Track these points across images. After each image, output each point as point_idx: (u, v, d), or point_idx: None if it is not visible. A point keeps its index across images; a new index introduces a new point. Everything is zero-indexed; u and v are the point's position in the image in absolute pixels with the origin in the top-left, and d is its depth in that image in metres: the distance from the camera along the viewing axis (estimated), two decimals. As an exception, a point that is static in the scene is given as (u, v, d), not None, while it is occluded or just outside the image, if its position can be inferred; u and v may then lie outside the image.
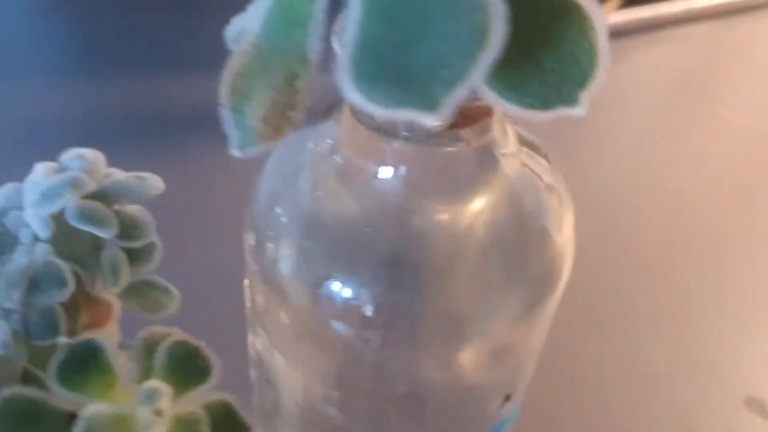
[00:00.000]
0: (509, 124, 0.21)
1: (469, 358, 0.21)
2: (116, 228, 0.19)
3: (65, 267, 0.18)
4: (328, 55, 0.14)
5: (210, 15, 0.59)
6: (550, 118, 0.14)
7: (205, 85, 0.49)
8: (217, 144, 0.20)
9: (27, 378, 0.18)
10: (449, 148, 0.19)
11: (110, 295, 0.20)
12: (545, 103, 0.13)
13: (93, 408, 0.17)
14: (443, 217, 0.20)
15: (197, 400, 0.19)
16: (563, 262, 0.22)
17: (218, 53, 0.15)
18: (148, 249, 0.21)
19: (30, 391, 0.17)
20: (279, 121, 0.14)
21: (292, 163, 0.20)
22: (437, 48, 0.11)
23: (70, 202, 0.18)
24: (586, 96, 0.14)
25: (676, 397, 0.37)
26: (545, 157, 0.23)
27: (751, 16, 0.70)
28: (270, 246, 0.20)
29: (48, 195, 0.18)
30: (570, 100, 0.13)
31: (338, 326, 0.20)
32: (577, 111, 0.14)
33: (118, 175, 0.20)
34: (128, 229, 0.20)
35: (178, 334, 0.18)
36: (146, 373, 0.18)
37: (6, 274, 0.18)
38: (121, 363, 0.18)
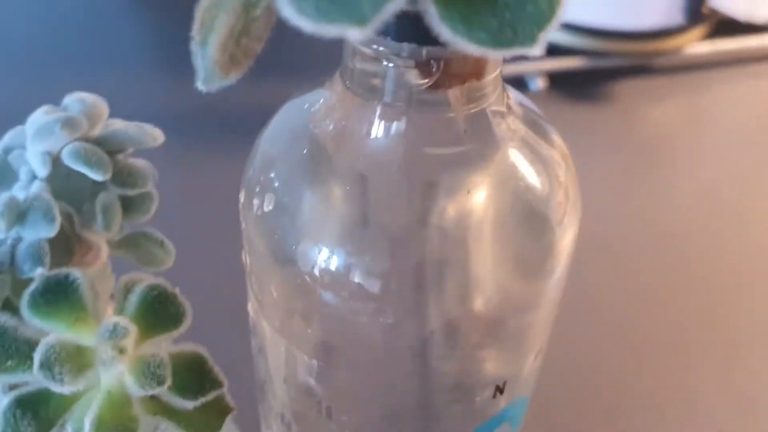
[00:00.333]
0: (516, 113, 0.20)
1: (455, 333, 0.20)
2: (110, 172, 0.20)
3: (54, 203, 0.19)
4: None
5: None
6: (506, 55, 0.13)
7: (280, 84, 0.50)
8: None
9: (7, 308, 0.19)
10: (438, 114, 0.18)
11: (101, 239, 0.20)
12: (499, 41, 0.13)
13: (54, 337, 0.17)
14: (434, 186, 0.19)
15: (167, 348, 0.19)
16: (560, 254, 0.21)
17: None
18: (144, 198, 0.21)
19: (3, 318, 0.18)
20: (234, 50, 0.14)
21: (288, 129, 0.20)
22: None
23: (62, 139, 0.19)
24: (543, 37, 0.13)
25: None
26: (560, 151, 0.22)
27: None
28: (262, 209, 0.20)
29: (41, 131, 0.19)
30: (526, 40, 0.13)
31: (326, 296, 0.19)
32: (533, 51, 0.13)
33: (118, 124, 0.20)
34: (125, 176, 0.20)
35: (153, 279, 0.18)
36: (119, 315, 0.18)
37: (-3, 205, 0.19)
38: (101, 305, 0.18)
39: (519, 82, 0.57)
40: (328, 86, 0.20)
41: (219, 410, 0.20)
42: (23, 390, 0.17)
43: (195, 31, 0.15)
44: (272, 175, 0.20)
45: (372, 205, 0.19)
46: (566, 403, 0.37)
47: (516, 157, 0.20)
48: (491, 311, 0.20)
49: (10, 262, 0.19)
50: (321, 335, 0.20)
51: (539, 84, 0.57)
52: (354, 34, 0.11)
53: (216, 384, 0.19)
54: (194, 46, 0.15)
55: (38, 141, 0.19)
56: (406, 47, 0.16)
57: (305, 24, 0.11)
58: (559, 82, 0.58)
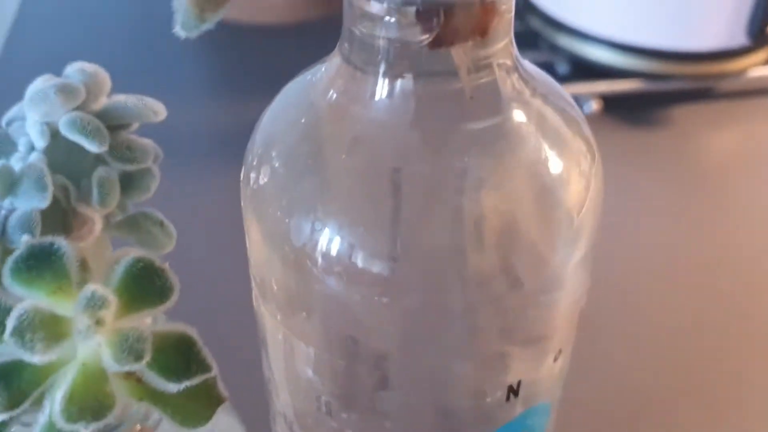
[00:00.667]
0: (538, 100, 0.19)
1: (465, 322, 0.19)
2: (107, 144, 0.19)
3: (47, 172, 0.18)
4: None
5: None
6: None
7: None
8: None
9: (-5, 279, 0.18)
10: (443, 83, 0.17)
11: (95, 213, 0.19)
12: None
13: (30, 302, 0.16)
14: (441, 161, 0.18)
15: (156, 326, 0.18)
16: (576, 246, 0.19)
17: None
18: (144, 175, 0.20)
19: (-15, 285, 0.17)
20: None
21: (288, 103, 0.19)
22: None
23: (57, 106, 0.18)
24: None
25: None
26: (586, 142, 0.20)
27: None
28: (258, 182, 0.19)
29: (35, 97, 0.18)
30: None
31: (324, 278, 0.18)
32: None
33: (120, 97, 0.20)
34: (123, 150, 0.20)
35: (141, 252, 0.18)
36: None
37: (-12, 171, 0.18)
38: (91, 281, 0.18)
39: (571, 105, 0.56)
40: (328, 60, 0.19)
41: (209, 399, 0.19)
42: (-3, 359, 0.16)
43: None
44: (269, 148, 0.19)
45: (375, 180, 0.18)
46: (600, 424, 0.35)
47: (530, 133, 0.18)
48: (503, 297, 0.18)
49: (1, 233, 0.19)
50: (318, 321, 0.19)
51: (593, 107, 0.55)
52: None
53: (203, 367, 0.18)
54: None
55: (33, 107, 0.18)
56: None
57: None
58: (614, 105, 0.56)
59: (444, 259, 0.18)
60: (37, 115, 0.19)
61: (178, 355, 0.18)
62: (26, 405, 0.16)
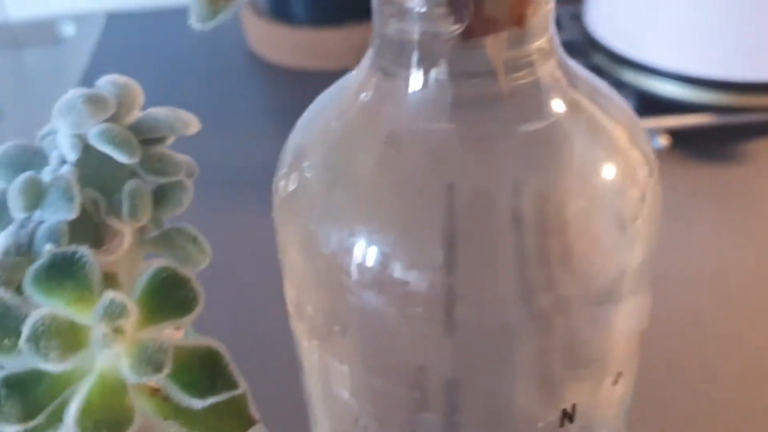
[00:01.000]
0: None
1: (513, 335, 0.17)
2: (137, 155, 0.19)
3: (75, 183, 0.18)
4: None
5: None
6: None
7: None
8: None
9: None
10: (478, 83, 0.16)
11: (125, 226, 0.19)
12: None
13: (45, 310, 0.16)
14: (481, 165, 0.17)
15: (182, 339, 0.17)
16: (628, 259, 0.18)
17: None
18: (177, 188, 0.20)
19: (6, 295, 0.16)
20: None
21: (317, 112, 0.19)
22: None
23: (84, 114, 0.18)
24: None
25: None
26: (644, 154, 0.19)
27: None
28: (286, 190, 0.18)
29: (63, 107, 0.18)
30: None
31: (356, 289, 0.17)
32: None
33: (152, 110, 0.19)
34: (155, 162, 0.19)
35: (167, 262, 0.17)
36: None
37: (17, 182, 0.18)
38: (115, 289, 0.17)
39: (638, 141, 0.54)
40: (358, 68, 0.18)
41: (240, 419, 0.18)
42: (12, 370, 0.16)
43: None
44: (300, 155, 0.18)
45: (410, 185, 0.17)
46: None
47: (580, 138, 0.17)
48: (552, 308, 0.17)
49: (29, 245, 0.18)
50: (352, 336, 0.18)
51: (661, 142, 0.53)
52: None
53: (229, 384, 0.17)
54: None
55: (62, 118, 0.18)
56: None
57: None
58: (684, 140, 0.54)
59: (489, 269, 0.17)
60: (66, 126, 0.18)
61: (202, 370, 0.17)
62: (41, 418, 0.16)
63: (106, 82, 0.19)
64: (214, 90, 0.61)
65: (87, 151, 0.19)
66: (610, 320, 0.18)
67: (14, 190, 0.18)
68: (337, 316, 0.17)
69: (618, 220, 0.18)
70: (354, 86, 0.18)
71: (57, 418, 0.16)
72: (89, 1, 0.72)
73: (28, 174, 0.18)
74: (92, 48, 0.67)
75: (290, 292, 0.19)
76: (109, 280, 0.17)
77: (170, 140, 0.20)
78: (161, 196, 0.20)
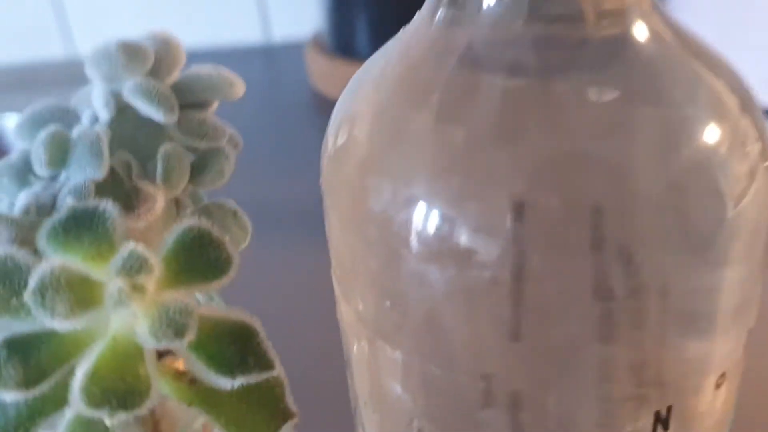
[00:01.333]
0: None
1: (596, 322, 0.15)
2: (175, 114, 0.17)
3: (104, 138, 0.16)
4: None
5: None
6: None
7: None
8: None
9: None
10: (561, 29, 0.14)
11: (158, 191, 0.17)
12: None
13: (55, 261, 0.14)
14: (560, 121, 0.15)
15: (208, 311, 0.15)
16: (732, 243, 0.15)
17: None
18: (217, 156, 0.18)
19: (20, 254, 0.15)
20: None
21: (374, 68, 0.17)
22: None
23: (118, 64, 0.16)
24: None
25: None
26: (759, 129, 0.17)
27: None
28: (335, 145, 0.16)
29: (97, 56, 0.16)
30: None
31: (419, 261, 0.15)
32: None
33: (195, 68, 0.18)
34: (195, 125, 0.17)
35: (199, 221, 0.15)
36: (155, 262, 0.15)
37: (42, 136, 0.16)
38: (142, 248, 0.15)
39: None
40: (411, 24, 0.16)
41: (274, 411, 0.16)
42: (16, 331, 0.14)
43: None
44: (350, 108, 0.16)
45: (476, 143, 0.14)
46: None
47: (676, 99, 0.15)
48: (647, 292, 0.14)
49: (51, 207, 0.16)
50: (406, 314, 0.15)
51: None
52: None
53: (263, 363, 0.15)
54: None
55: (96, 68, 0.16)
56: None
57: None
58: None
59: (569, 241, 0.14)
60: (100, 78, 0.17)
61: (232, 344, 0.15)
62: (45, 385, 0.14)
63: (145, 36, 0.18)
64: (277, 127, 0.61)
65: (122, 112, 0.17)
66: (710, 312, 0.15)
67: (38, 144, 0.16)
68: (389, 289, 0.15)
69: (719, 198, 0.15)
70: (413, 35, 0.16)
71: (64, 387, 0.14)
72: (158, 43, 0.73)
73: (54, 127, 0.16)
74: (158, 86, 0.67)
75: (337, 271, 0.17)
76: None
77: (214, 106, 0.18)
78: (201, 166, 0.18)
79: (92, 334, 0.14)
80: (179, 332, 0.13)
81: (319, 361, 0.28)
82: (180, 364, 0.16)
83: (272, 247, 0.43)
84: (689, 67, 0.15)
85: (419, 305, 0.15)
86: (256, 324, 0.15)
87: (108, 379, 0.13)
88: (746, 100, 0.16)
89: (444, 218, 0.14)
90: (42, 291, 0.13)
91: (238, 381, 0.14)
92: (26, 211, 0.16)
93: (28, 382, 0.13)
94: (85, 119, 0.17)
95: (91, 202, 0.15)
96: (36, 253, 0.15)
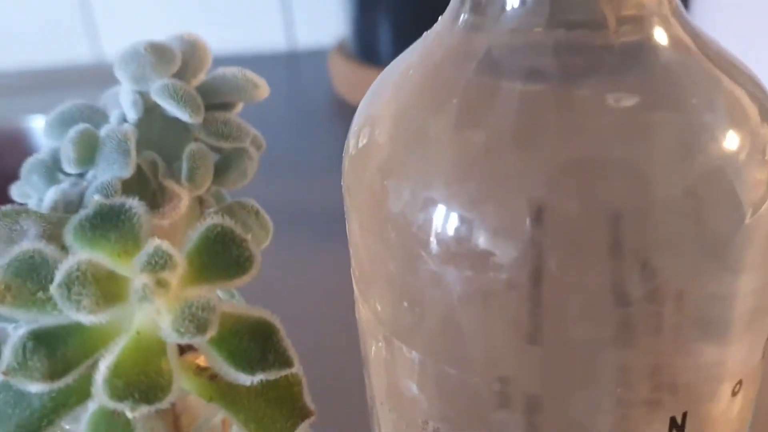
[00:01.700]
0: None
1: (612, 326, 0.15)
2: (201, 114, 0.17)
3: (131, 136, 0.17)
4: None
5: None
6: None
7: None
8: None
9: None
10: (579, 34, 0.14)
11: (183, 190, 0.17)
12: None
13: (82, 255, 0.14)
14: (581, 123, 0.15)
15: (229, 308, 0.15)
16: (748, 251, 0.15)
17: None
18: (240, 156, 0.18)
19: (47, 248, 0.15)
20: None
21: (396, 70, 0.17)
22: None
23: (147, 64, 0.17)
24: None
25: None
26: None
27: None
28: (357, 147, 0.16)
29: (126, 56, 0.17)
30: None
31: (437, 262, 0.15)
32: None
33: (221, 70, 0.18)
34: (219, 125, 0.18)
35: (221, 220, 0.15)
36: (179, 260, 0.15)
37: (71, 133, 0.17)
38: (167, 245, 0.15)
39: None
40: (434, 28, 0.16)
41: (292, 408, 0.16)
42: (42, 323, 0.14)
43: None
44: (372, 110, 0.16)
45: (495, 147, 0.15)
46: None
47: (695, 105, 0.15)
48: (664, 297, 0.14)
49: (78, 204, 0.17)
50: (422, 313, 0.15)
51: None
52: None
53: (283, 360, 0.15)
54: None
55: (124, 67, 0.17)
56: None
57: None
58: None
59: (587, 246, 0.14)
60: (127, 78, 0.17)
61: (253, 341, 0.15)
62: (70, 378, 0.14)
63: (173, 38, 0.18)
64: (300, 132, 0.61)
65: (149, 112, 0.18)
66: (726, 316, 0.15)
67: (67, 142, 0.17)
68: (406, 290, 0.15)
69: (736, 205, 0.15)
70: (435, 39, 0.16)
71: (88, 380, 0.14)
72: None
73: (82, 126, 0.17)
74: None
75: (356, 272, 0.17)
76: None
77: (238, 107, 0.19)
78: (225, 166, 0.18)
79: (116, 328, 0.14)
80: (201, 328, 0.14)
81: (336, 360, 0.28)
82: (201, 360, 0.16)
83: (292, 248, 0.43)
84: (709, 74, 0.15)
85: (437, 306, 0.15)
86: (276, 321, 0.15)
87: (131, 372, 0.13)
88: (766, 107, 0.16)
89: (463, 221, 0.14)
90: (68, 285, 0.13)
91: (258, 377, 0.15)
92: (54, 207, 0.16)
93: (52, 374, 0.14)
94: (113, 119, 0.18)
95: (118, 199, 0.15)
96: (63, 248, 0.16)
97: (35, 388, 0.14)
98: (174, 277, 0.14)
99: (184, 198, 0.17)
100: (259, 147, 0.19)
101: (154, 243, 0.14)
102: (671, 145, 0.15)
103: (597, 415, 0.15)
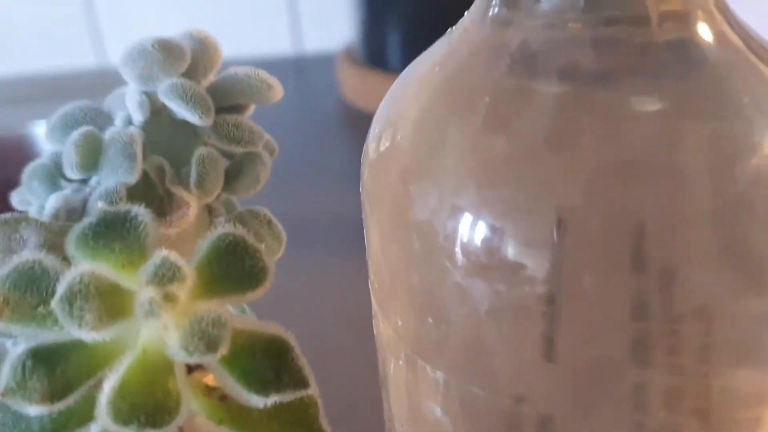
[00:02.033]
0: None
1: (648, 351, 0.14)
2: (211, 116, 0.16)
3: (137, 140, 0.16)
4: None
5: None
6: None
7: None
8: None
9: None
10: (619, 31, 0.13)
11: (191, 198, 0.16)
12: None
13: (85, 267, 0.13)
14: (615, 138, 0.14)
15: (239, 321, 0.14)
16: None
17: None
18: (253, 161, 0.17)
19: (47, 259, 0.14)
20: None
21: (419, 69, 0.16)
22: None
23: (154, 60, 0.16)
24: None
25: None
26: None
27: None
28: (378, 151, 0.15)
29: (132, 53, 0.16)
30: None
31: (464, 276, 0.14)
32: None
33: (232, 69, 0.17)
34: (230, 128, 0.17)
35: (233, 228, 0.14)
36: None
37: (73, 136, 0.16)
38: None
39: None
40: (459, 25, 0.15)
41: (307, 430, 0.15)
42: (42, 340, 0.13)
43: None
44: (393, 113, 0.15)
45: (528, 151, 0.14)
46: None
47: (744, 112, 0.14)
48: (701, 316, 0.13)
49: (82, 211, 0.16)
50: (448, 331, 0.14)
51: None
52: None
53: (298, 381, 0.14)
54: None
55: (130, 65, 0.16)
56: None
57: None
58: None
59: (626, 257, 0.13)
60: (134, 77, 0.16)
61: (266, 360, 0.14)
62: (71, 399, 0.13)
63: (182, 35, 0.17)
64: (308, 139, 0.60)
65: (157, 114, 0.17)
66: (761, 338, 0.14)
67: (69, 145, 0.16)
68: (431, 305, 0.14)
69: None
70: (462, 35, 0.15)
71: (90, 401, 0.13)
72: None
73: (86, 128, 0.16)
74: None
75: (375, 285, 0.16)
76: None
77: (250, 109, 0.18)
78: (236, 171, 0.17)
79: (121, 345, 0.13)
80: (212, 346, 0.13)
81: (353, 380, 0.27)
82: (210, 379, 0.15)
83: (304, 259, 0.42)
84: (759, 74, 0.14)
85: (464, 323, 0.14)
86: (291, 338, 0.14)
87: (136, 393, 0.12)
88: None
89: (493, 230, 0.13)
90: (70, 299, 0.12)
91: (271, 399, 0.14)
92: (56, 215, 0.16)
93: (53, 395, 0.13)
94: (119, 121, 0.17)
95: (123, 206, 0.14)
96: (65, 259, 0.15)
97: (34, 410, 0.13)
98: (182, 291, 0.13)
99: (192, 205, 0.16)
100: (272, 152, 0.18)
101: (161, 254, 0.13)
102: (716, 152, 0.14)
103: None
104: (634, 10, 0.14)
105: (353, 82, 0.60)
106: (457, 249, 0.14)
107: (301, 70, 0.70)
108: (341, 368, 0.30)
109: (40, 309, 0.13)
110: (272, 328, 0.14)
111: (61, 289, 0.13)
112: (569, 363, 0.14)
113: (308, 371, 0.14)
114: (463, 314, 0.14)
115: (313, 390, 0.14)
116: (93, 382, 0.13)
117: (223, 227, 0.14)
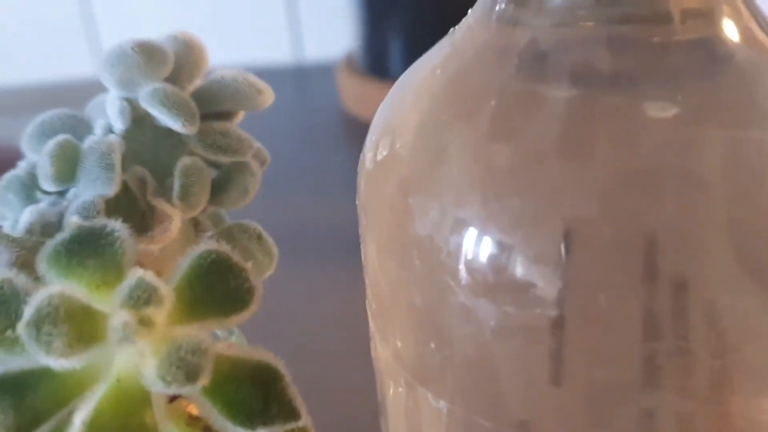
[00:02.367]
0: None
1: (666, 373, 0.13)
2: (196, 124, 0.15)
3: (116, 149, 0.14)
4: None
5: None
6: None
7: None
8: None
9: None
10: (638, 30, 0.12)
11: (174, 211, 0.15)
12: None
13: (54, 288, 0.12)
14: (629, 139, 0.13)
15: (223, 347, 0.13)
16: None
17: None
18: (241, 171, 0.16)
19: (18, 278, 0.13)
20: None
21: (405, 83, 0.15)
22: None
23: (135, 65, 0.15)
24: None
25: None
26: None
27: None
28: (374, 160, 0.14)
29: (112, 57, 0.15)
30: None
31: (469, 296, 0.13)
32: None
33: (219, 73, 0.16)
34: (217, 136, 0.16)
35: (217, 246, 0.13)
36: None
37: (49, 145, 0.15)
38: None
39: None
40: (462, 24, 0.14)
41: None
42: (8, 368, 0.12)
43: None
44: (391, 120, 0.14)
45: (536, 160, 0.13)
46: None
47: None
48: (721, 340, 0.12)
49: (58, 226, 0.15)
50: (452, 356, 0.13)
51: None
52: None
53: (288, 411, 0.13)
54: None
55: (110, 70, 0.15)
56: None
57: None
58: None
59: (643, 273, 0.12)
60: (113, 83, 0.15)
61: (253, 389, 0.13)
62: (39, 433, 0.12)
63: (165, 37, 0.16)
64: (307, 148, 0.59)
65: (138, 122, 0.16)
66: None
67: (45, 155, 0.15)
68: (433, 326, 0.13)
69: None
70: (466, 35, 0.14)
71: (59, 435, 0.12)
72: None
73: (62, 137, 0.15)
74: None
75: (373, 305, 0.15)
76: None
77: (239, 116, 0.17)
78: (223, 182, 0.16)
79: (93, 374, 0.12)
80: (191, 375, 0.11)
81: (349, 409, 0.26)
82: (193, 408, 0.14)
83: (298, 276, 0.41)
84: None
85: (468, 345, 0.13)
86: (281, 365, 0.13)
87: (109, 427, 0.11)
88: None
89: (499, 246, 0.12)
90: (37, 323, 0.11)
91: (257, 430, 0.13)
92: (30, 230, 0.14)
93: (19, 428, 0.12)
94: (98, 129, 0.16)
95: (99, 221, 0.13)
96: (37, 278, 0.14)
97: (-2, 445, 0.12)
98: (159, 314, 0.12)
99: (176, 219, 0.15)
100: (262, 162, 0.17)
101: (137, 273, 0.12)
102: (744, 161, 0.13)
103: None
104: (653, 6, 0.13)
105: (354, 91, 0.59)
106: (461, 266, 0.12)
107: (301, 79, 0.69)
108: (337, 395, 0.29)
109: (9, 333, 0.12)
110: (260, 353, 0.13)
111: (27, 312, 0.12)
112: (578, 387, 0.13)
113: (299, 401, 0.13)
114: (467, 336, 0.13)
115: (304, 421, 0.13)
116: (63, 415, 0.12)
117: (206, 244, 0.13)
